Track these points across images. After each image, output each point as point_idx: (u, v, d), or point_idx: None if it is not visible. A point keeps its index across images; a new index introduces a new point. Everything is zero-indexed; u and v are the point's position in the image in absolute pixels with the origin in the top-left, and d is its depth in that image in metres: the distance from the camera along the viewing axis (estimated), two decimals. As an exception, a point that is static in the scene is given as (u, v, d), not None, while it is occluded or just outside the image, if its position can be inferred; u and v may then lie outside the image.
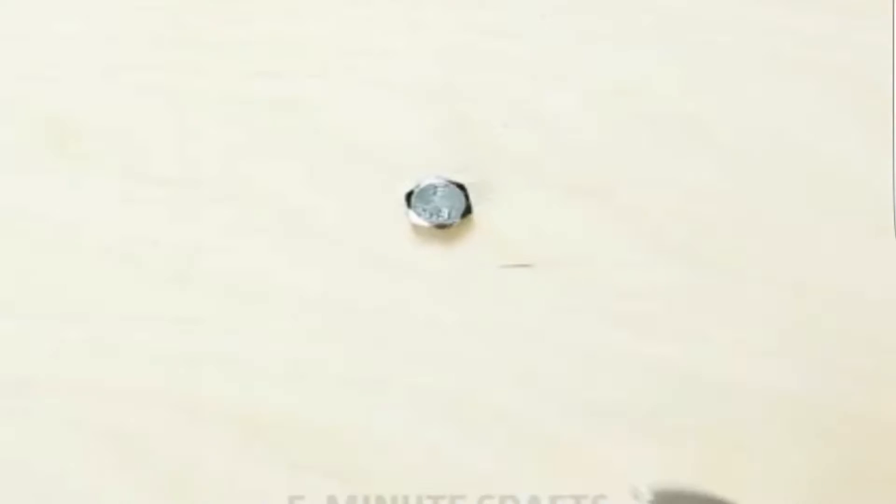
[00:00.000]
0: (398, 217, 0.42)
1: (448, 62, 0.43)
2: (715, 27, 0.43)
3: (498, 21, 0.44)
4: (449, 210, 0.42)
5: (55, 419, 0.42)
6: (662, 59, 0.43)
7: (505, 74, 0.43)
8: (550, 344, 0.42)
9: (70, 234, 0.43)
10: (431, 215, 0.42)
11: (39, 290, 0.43)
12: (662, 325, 0.42)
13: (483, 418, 0.42)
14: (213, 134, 0.43)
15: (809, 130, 0.43)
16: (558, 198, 0.43)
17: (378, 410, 0.42)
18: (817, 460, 0.41)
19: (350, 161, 0.43)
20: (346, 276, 0.43)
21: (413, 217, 0.42)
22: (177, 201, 0.43)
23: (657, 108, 0.43)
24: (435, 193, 0.42)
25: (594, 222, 0.42)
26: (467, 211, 0.42)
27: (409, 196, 0.42)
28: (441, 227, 0.42)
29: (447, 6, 0.44)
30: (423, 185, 0.42)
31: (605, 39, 0.43)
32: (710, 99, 0.43)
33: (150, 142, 0.43)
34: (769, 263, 0.43)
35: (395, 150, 0.43)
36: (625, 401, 0.42)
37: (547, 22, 0.43)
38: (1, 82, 0.43)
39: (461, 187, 0.42)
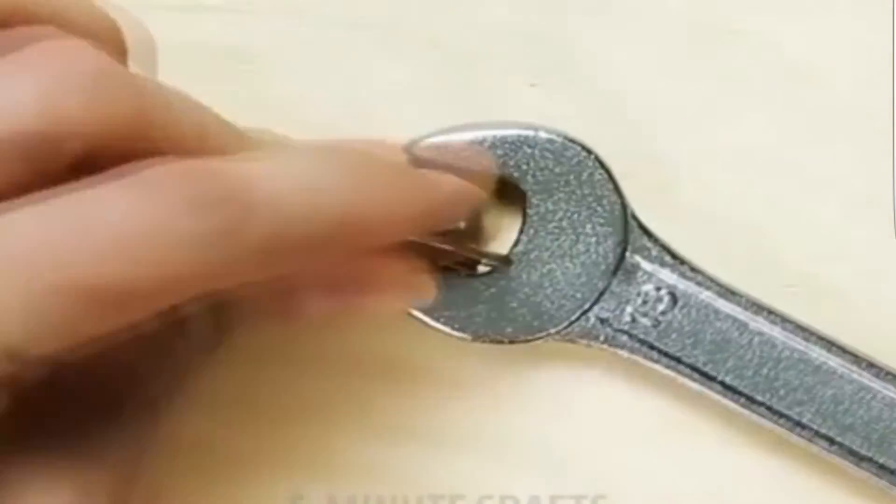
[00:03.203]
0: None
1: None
2: (715, 27, 0.43)
3: (497, 21, 0.44)
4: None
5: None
6: (662, 59, 0.43)
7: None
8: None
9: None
10: (432, 215, 0.42)
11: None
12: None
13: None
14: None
15: (808, 131, 0.43)
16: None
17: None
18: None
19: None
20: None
21: (413, 217, 0.42)
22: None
23: (657, 107, 0.43)
24: (435, 193, 0.42)
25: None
26: (467, 210, 0.42)
27: (408, 196, 0.42)
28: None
29: (447, 6, 0.44)
30: (423, 184, 0.42)
31: (605, 39, 0.43)
32: (709, 99, 0.43)
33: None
34: (769, 264, 0.43)
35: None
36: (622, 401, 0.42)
37: (545, 22, 0.44)
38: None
39: (461, 187, 0.42)
